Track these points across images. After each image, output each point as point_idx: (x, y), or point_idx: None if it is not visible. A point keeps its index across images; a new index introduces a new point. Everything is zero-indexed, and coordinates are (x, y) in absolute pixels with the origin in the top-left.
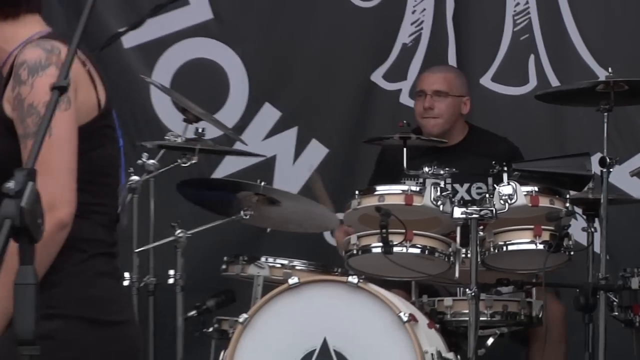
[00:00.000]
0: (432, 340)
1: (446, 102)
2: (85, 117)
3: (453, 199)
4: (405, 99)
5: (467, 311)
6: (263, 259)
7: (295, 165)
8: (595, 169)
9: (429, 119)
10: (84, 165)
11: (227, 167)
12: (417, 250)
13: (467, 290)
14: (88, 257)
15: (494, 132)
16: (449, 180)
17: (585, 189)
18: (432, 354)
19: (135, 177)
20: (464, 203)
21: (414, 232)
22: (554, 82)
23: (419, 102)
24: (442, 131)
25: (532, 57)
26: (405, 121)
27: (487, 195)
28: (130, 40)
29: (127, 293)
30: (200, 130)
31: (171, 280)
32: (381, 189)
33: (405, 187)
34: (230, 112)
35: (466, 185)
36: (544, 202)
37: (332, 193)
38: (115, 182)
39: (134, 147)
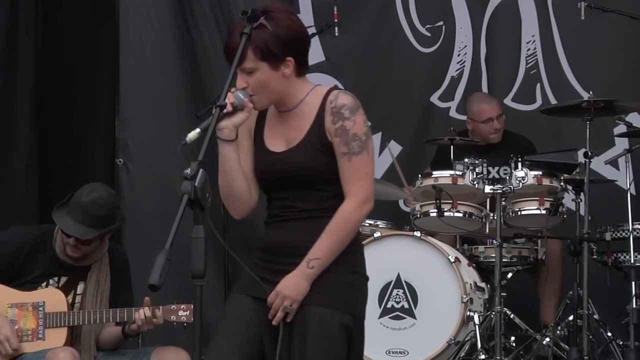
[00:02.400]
0: (470, 275)
1: (502, 120)
2: None
3: (485, 179)
4: (453, 113)
5: (494, 255)
6: None
7: (380, 157)
8: (581, 159)
9: (497, 134)
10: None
11: None
12: (460, 214)
13: (494, 241)
14: (361, 237)
15: (516, 132)
16: (485, 165)
17: (574, 173)
18: (470, 284)
19: None
20: (493, 181)
21: (458, 202)
22: (553, 101)
23: (488, 125)
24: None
25: (538, 85)
26: (452, 128)
27: (507, 177)
28: None
29: None
30: None
31: None
32: (436, 173)
33: (452, 172)
34: None
35: (497, 168)
36: (546, 181)
37: (404, 175)
38: None
39: None
